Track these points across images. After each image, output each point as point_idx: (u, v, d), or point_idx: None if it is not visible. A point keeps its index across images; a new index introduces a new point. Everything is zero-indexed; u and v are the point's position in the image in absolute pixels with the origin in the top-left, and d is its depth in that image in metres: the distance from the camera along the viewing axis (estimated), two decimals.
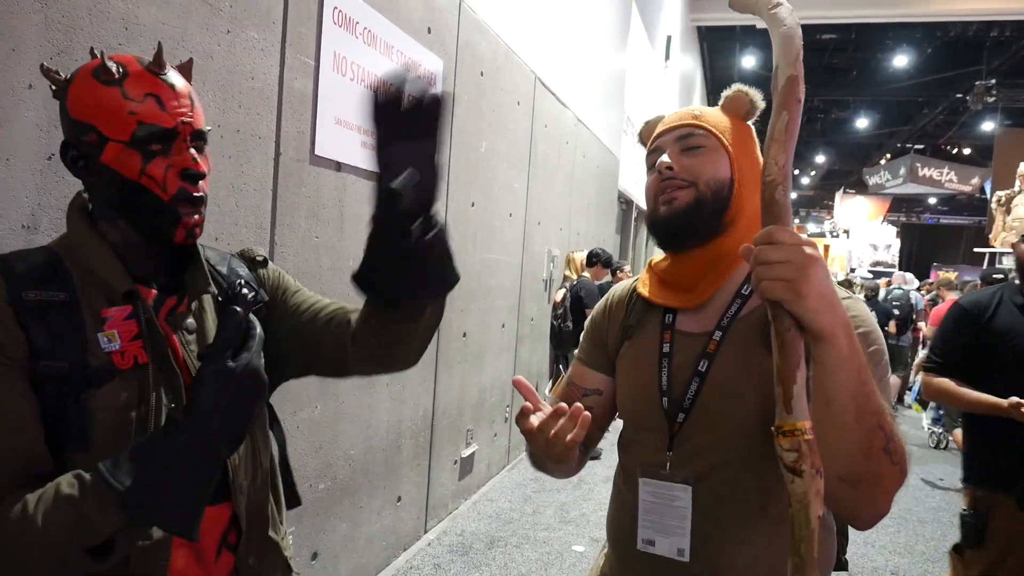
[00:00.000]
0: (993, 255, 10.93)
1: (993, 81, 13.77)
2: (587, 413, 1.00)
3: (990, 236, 11.57)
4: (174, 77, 0.95)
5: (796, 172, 25.43)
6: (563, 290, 5.50)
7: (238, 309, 0.86)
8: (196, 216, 0.95)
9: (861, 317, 1.03)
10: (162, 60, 0.94)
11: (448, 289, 1.00)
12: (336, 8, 2.54)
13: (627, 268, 6.58)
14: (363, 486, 3.06)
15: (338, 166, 2.67)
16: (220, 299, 1.06)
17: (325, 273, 2.64)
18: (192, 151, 0.94)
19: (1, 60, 1.46)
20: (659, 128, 1.19)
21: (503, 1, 4.27)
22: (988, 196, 14.64)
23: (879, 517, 0.94)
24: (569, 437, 0.98)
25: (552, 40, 5.26)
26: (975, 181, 17.28)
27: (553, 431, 0.99)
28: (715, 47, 17.15)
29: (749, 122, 1.20)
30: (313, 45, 2.47)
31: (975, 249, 12.44)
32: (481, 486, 4.54)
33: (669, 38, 11.46)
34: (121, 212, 0.95)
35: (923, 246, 24.17)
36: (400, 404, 3.34)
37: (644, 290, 1.22)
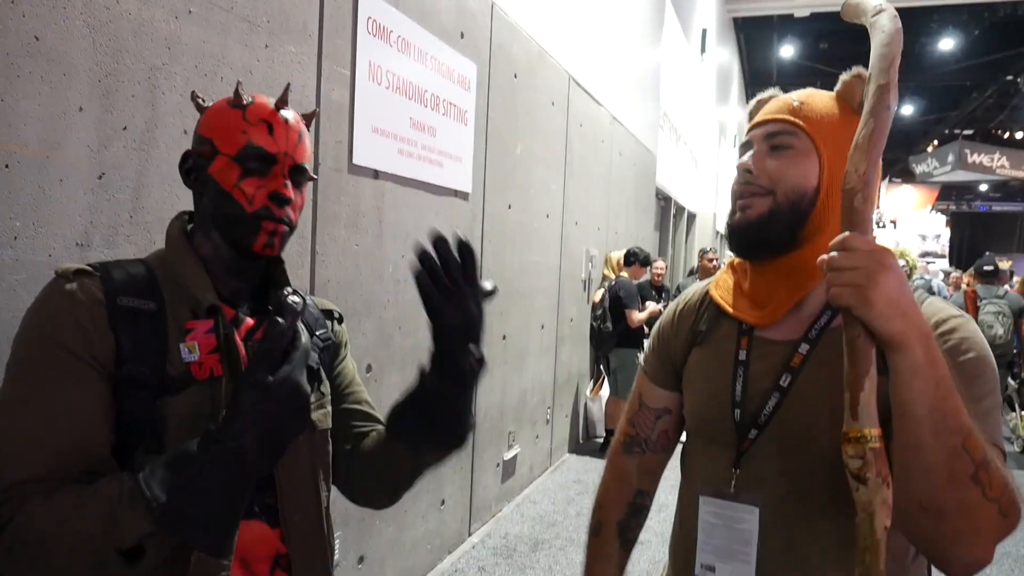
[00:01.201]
0: None
1: None
2: None
3: None
4: (291, 116, 1.04)
5: None
6: (602, 290, 5.47)
7: (280, 320, 0.86)
8: (277, 227, 0.99)
9: (971, 340, 0.94)
10: (286, 99, 1.04)
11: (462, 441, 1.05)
12: (370, 18, 2.58)
13: (659, 263, 6.50)
14: None
15: (376, 174, 2.70)
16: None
17: (365, 281, 2.68)
18: (287, 180, 1.00)
19: (54, 84, 1.51)
20: (757, 118, 1.08)
21: (535, 2, 4.27)
22: None
23: (976, 565, 0.85)
24: None
25: (585, 38, 5.24)
26: None
27: None
28: (752, 38, 16.86)
29: None
30: (348, 56, 2.50)
31: None
32: (524, 488, 4.55)
33: (704, 31, 11.31)
34: (214, 222, 1.00)
35: (974, 235, 23.40)
36: None
37: (718, 294, 1.13)
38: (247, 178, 0.98)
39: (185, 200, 1.84)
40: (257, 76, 2.08)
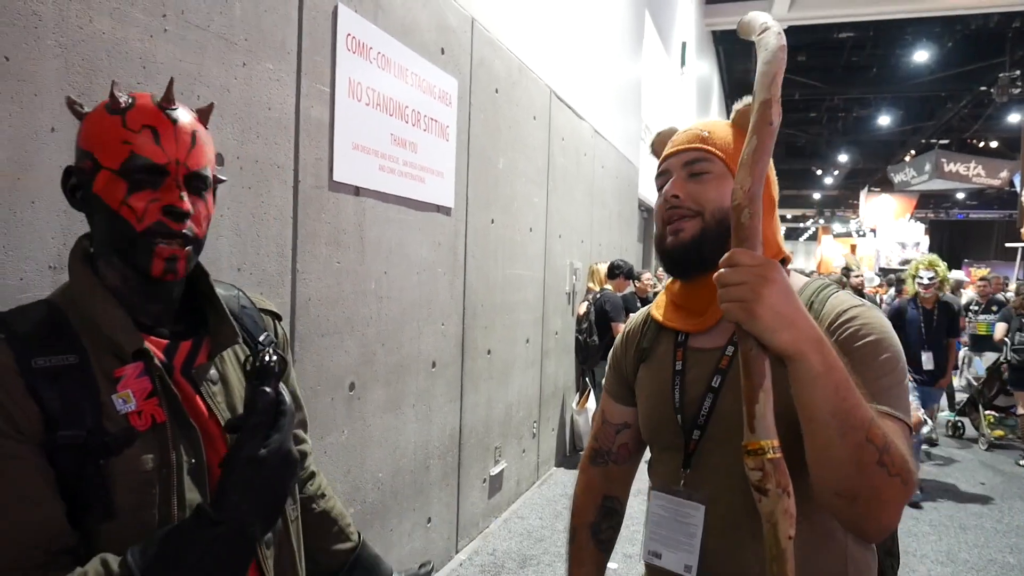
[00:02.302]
0: None
1: (1018, 72, 13.50)
2: None
3: (1022, 230, 11.35)
4: (182, 115, 0.93)
5: (819, 172, 25.16)
6: (586, 303, 5.47)
7: (268, 390, 0.83)
8: (174, 250, 0.89)
9: (872, 324, 1.00)
10: (171, 96, 0.92)
11: None
12: (349, 34, 2.57)
13: (646, 276, 6.53)
14: (392, 508, 3.05)
15: (356, 191, 2.69)
16: (245, 356, 1.04)
17: (347, 298, 2.65)
18: (182, 191, 0.90)
19: (24, 105, 1.49)
20: (668, 148, 1.18)
21: (515, 17, 4.29)
22: (1018, 189, 14.35)
23: (887, 530, 0.93)
24: None
25: (566, 53, 5.27)
26: (1004, 174, 16.93)
27: None
28: (731, 51, 17.06)
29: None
30: (328, 73, 2.49)
31: (1007, 244, 12.18)
32: (511, 503, 4.51)
33: (684, 44, 11.43)
34: (110, 245, 0.91)
35: (953, 242, 23.72)
36: (427, 424, 3.34)
37: (658, 313, 1.23)
38: (135, 193, 0.87)
39: None
40: (235, 94, 2.06)
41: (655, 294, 7.15)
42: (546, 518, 4.36)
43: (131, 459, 0.85)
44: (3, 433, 0.79)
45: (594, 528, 1.30)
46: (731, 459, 1.06)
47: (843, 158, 23.10)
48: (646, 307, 1.33)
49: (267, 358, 0.87)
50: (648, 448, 1.28)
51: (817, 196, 29.55)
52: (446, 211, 3.44)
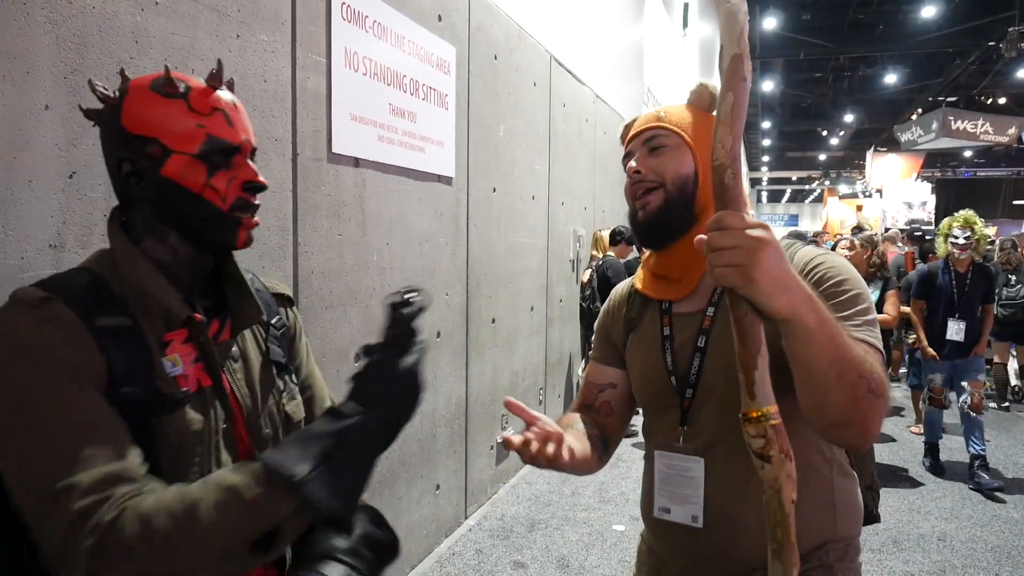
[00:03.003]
0: None
1: None
2: (559, 430, 1.06)
3: None
4: (233, 95, 0.98)
5: (825, 133, 24.86)
6: (590, 270, 5.46)
7: (405, 312, 0.87)
8: (254, 221, 0.97)
9: (835, 267, 1.10)
10: (221, 76, 0.95)
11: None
12: (344, 3, 2.53)
13: None
14: (401, 476, 3.10)
15: (356, 162, 2.67)
16: (263, 337, 1.07)
17: (349, 270, 2.65)
18: (252, 164, 0.97)
19: (17, 83, 1.48)
20: (630, 133, 1.26)
21: None
22: None
23: (874, 438, 1.00)
24: (550, 453, 1.03)
25: (565, 17, 5.19)
26: (1012, 131, 16.69)
27: (532, 452, 1.04)
28: None
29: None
30: (323, 43, 2.46)
31: (1015, 202, 12.06)
32: (518, 469, 4.56)
33: (687, 5, 11.23)
34: (175, 225, 0.94)
35: (960, 201, 23.48)
36: (433, 393, 3.37)
37: (640, 285, 1.31)
38: (215, 174, 0.92)
39: None
40: (229, 67, 2.04)
41: None
42: (553, 483, 4.42)
43: (180, 419, 0.88)
44: (82, 383, 0.81)
45: (583, 418, 1.32)
46: (720, 411, 1.15)
47: (849, 118, 22.79)
48: (627, 281, 1.41)
49: (402, 297, 0.92)
50: (642, 413, 1.34)
51: (823, 157, 29.26)
52: (447, 180, 3.42)
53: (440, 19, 3.30)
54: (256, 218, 0.99)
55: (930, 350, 4.81)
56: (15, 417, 0.78)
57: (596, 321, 1.45)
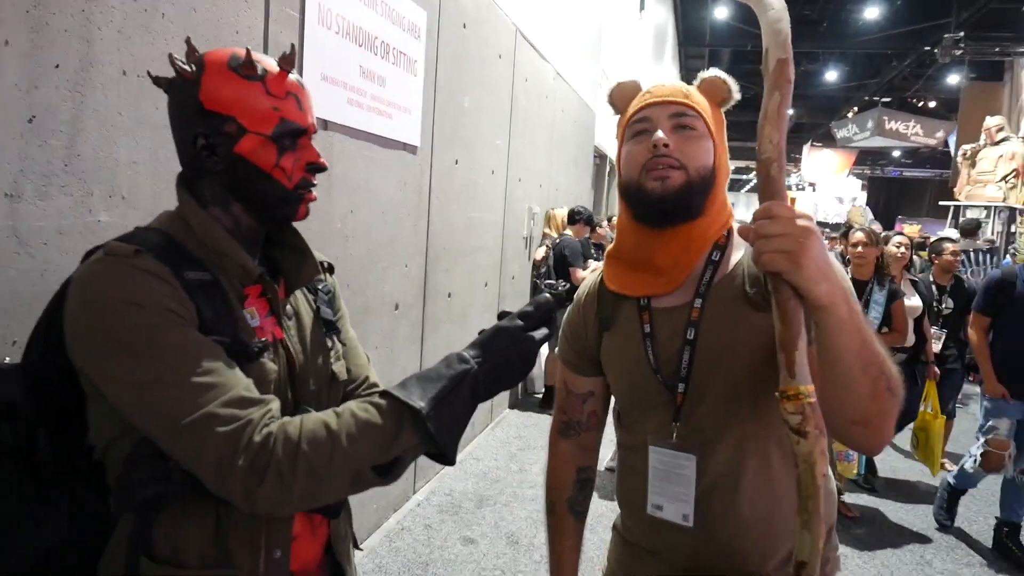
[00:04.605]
0: (957, 208, 11.15)
1: (961, 34, 13.81)
2: None
3: (955, 189, 11.78)
4: (298, 77, 1.02)
5: None
6: (544, 248, 5.46)
7: (550, 297, 0.98)
8: (313, 196, 1.04)
9: (840, 268, 1.10)
10: (293, 60, 1.00)
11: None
12: None
13: (604, 224, 6.55)
14: None
15: (325, 124, 2.57)
16: (314, 297, 1.16)
17: (313, 237, 2.54)
18: (314, 146, 1.02)
19: None
20: (647, 98, 1.16)
21: None
22: (952, 150, 14.86)
23: (888, 441, 1.01)
24: None
25: None
26: (940, 135, 17.50)
27: None
28: None
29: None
30: None
31: (940, 203, 12.65)
32: (466, 445, 4.55)
33: None
34: (241, 198, 0.99)
35: (889, 199, 24.54)
36: (390, 367, 3.31)
37: (613, 285, 1.22)
38: (284, 154, 0.98)
39: (126, 147, 1.70)
40: (201, 14, 1.92)
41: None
42: (500, 459, 4.43)
43: (260, 368, 0.95)
44: (187, 324, 0.87)
45: (571, 502, 1.34)
46: (715, 404, 1.12)
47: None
48: (594, 275, 1.32)
49: (560, 286, 1.08)
50: (622, 412, 1.29)
51: None
52: (412, 149, 3.33)
53: None
54: (314, 193, 1.03)
55: (998, 386, 3.50)
56: (136, 361, 0.83)
57: (562, 323, 1.36)
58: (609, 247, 1.27)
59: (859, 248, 3.84)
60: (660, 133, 1.10)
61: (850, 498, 4.14)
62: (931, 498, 4.17)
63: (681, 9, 17.44)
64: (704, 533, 1.14)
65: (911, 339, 4.05)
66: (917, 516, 4.05)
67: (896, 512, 4.10)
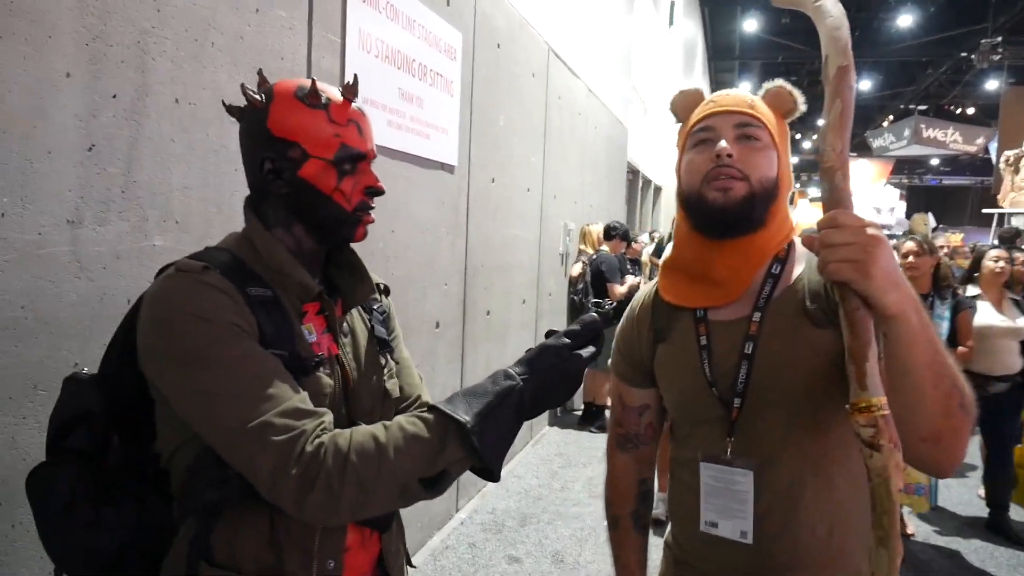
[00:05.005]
0: (1002, 216, 10.87)
1: (999, 39, 13.56)
2: None
3: (998, 196, 11.49)
4: (361, 107, 1.06)
5: (798, 136, 25.25)
6: (581, 264, 5.45)
7: (596, 315, 0.97)
8: (371, 219, 1.07)
9: None
10: (356, 90, 1.03)
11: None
12: None
13: (641, 239, 6.53)
14: None
15: None
16: (369, 316, 1.18)
17: None
18: (373, 171, 1.06)
19: (38, 47, 1.40)
20: (711, 107, 1.14)
21: None
22: (992, 156, 14.53)
23: (959, 462, 0.96)
24: None
25: (563, 9, 5.15)
26: (980, 141, 17.12)
27: None
28: (716, 12, 16.87)
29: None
30: (339, 22, 2.39)
31: (984, 210, 12.34)
32: (507, 463, 4.54)
33: (673, 3, 11.27)
34: (303, 219, 1.03)
35: (929, 208, 24.02)
36: (430, 386, 3.28)
37: (668, 296, 1.21)
38: (344, 179, 1.01)
39: (179, 173, 1.75)
40: (248, 41, 1.97)
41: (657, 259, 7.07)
42: (542, 477, 4.40)
43: (316, 382, 0.98)
44: (250, 337, 0.91)
45: (635, 516, 1.33)
46: (772, 420, 1.09)
47: (822, 122, 23.11)
48: (648, 286, 1.31)
49: (607, 306, 1.11)
50: (674, 425, 1.28)
51: (795, 160, 29.68)
52: (450, 169, 3.36)
53: (448, 3, 3.23)
54: (372, 215, 1.06)
55: None
56: (201, 373, 0.87)
57: (616, 335, 1.34)
58: (665, 257, 1.25)
59: (910, 259, 3.46)
60: (723, 143, 1.08)
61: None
62: None
63: (710, 23, 17.43)
64: (760, 552, 1.10)
65: (1018, 363, 3.66)
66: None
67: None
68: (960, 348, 3.50)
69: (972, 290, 3.84)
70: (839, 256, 0.83)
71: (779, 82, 1.15)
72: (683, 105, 1.21)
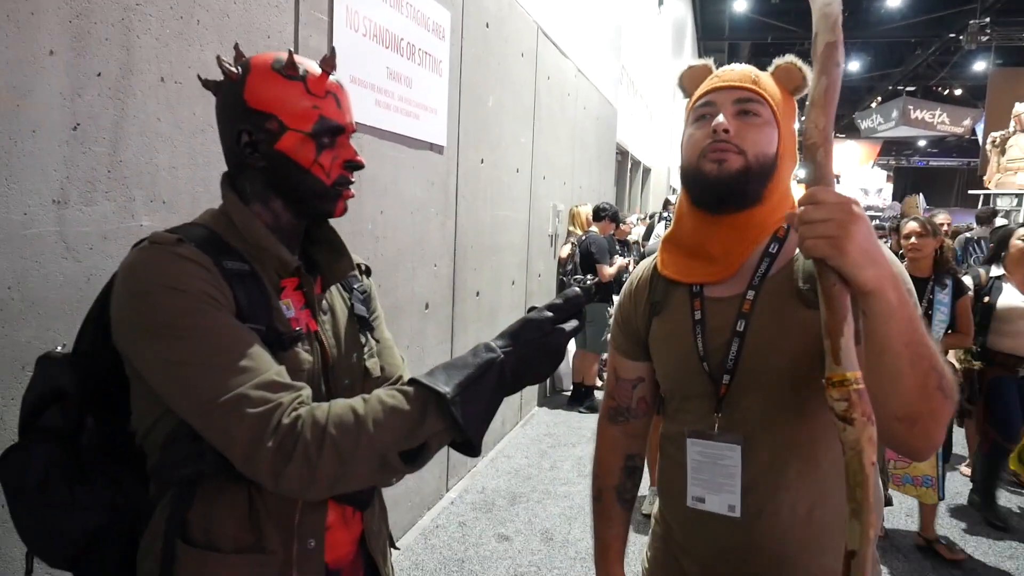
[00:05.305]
0: (988, 196, 10.94)
1: (987, 20, 13.56)
2: None
3: (984, 178, 11.56)
4: (339, 80, 1.04)
5: None
6: (569, 246, 5.45)
7: (579, 291, 0.96)
8: (351, 194, 1.05)
9: (895, 263, 1.05)
10: (334, 62, 1.02)
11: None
12: None
13: (630, 220, 6.54)
14: None
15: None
16: (348, 294, 1.17)
17: (345, 238, 2.53)
18: (352, 145, 1.04)
19: (21, 24, 1.38)
20: (715, 82, 1.14)
21: None
22: (979, 138, 14.59)
23: (936, 447, 0.97)
24: None
25: None
26: (967, 122, 17.21)
27: None
28: None
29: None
30: (326, 0, 2.36)
31: (970, 191, 12.42)
32: (497, 443, 4.57)
33: None
34: (281, 194, 1.01)
35: (916, 189, 24.16)
36: (420, 366, 3.31)
37: (666, 271, 1.22)
38: (323, 152, 1.00)
39: (165, 152, 1.73)
40: (234, 20, 1.94)
41: (653, 238, 7.06)
42: (531, 457, 4.43)
43: (294, 356, 0.97)
44: (224, 310, 0.90)
45: (619, 489, 1.33)
46: (760, 398, 1.10)
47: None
48: (648, 260, 1.31)
49: (589, 281, 1.05)
50: (665, 399, 1.28)
51: None
52: (438, 149, 3.35)
53: None
54: (351, 190, 1.05)
55: None
56: (174, 344, 0.85)
57: (615, 308, 1.36)
58: (666, 232, 1.26)
59: (912, 239, 3.37)
60: (721, 117, 1.09)
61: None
62: None
63: (699, 3, 17.33)
64: (748, 524, 1.11)
65: None
66: None
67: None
68: (954, 336, 3.43)
69: (996, 270, 3.69)
70: (816, 232, 0.83)
71: (790, 58, 1.14)
72: (690, 79, 1.21)
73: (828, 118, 0.87)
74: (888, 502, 3.58)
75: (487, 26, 3.86)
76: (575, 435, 4.90)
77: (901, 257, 3.64)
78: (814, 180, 0.87)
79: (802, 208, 0.86)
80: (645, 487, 3.71)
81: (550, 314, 0.92)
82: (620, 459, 1.34)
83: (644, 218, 8.73)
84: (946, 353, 3.57)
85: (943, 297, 3.36)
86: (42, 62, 1.42)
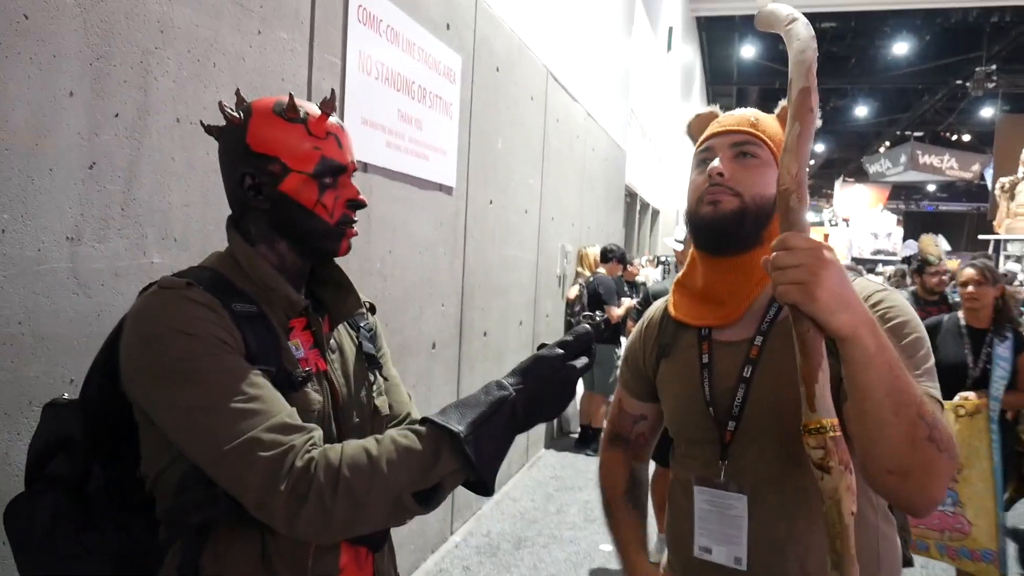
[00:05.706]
0: (998, 242, 10.93)
1: (993, 67, 13.73)
2: None
3: (994, 223, 11.57)
4: (338, 119, 1.06)
5: None
6: (578, 286, 5.46)
7: (590, 328, 0.96)
8: (355, 232, 1.06)
9: (897, 307, 1.04)
10: (334, 104, 1.04)
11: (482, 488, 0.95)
12: (360, 6, 2.50)
13: (636, 262, 6.56)
14: None
15: (365, 167, 2.63)
16: (356, 333, 1.17)
17: (354, 278, 2.56)
18: (354, 184, 1.06)
19: (43, 66, 1.41)
20: (714, 128, 1.16)
21: None
22: (988, 183, 14.64)
23: (935, 504, 0.94)
24: None
25: (562, 33, 5.22)
26: (976, 167, 17.27)
27: None
28: (714, 37, 17.08)
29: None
30: (339, 44, 2.42)
31: (980, 236, 12.40)
32: (503, 485, 4.51)
33: (671, 28, 11.41)
34: (286, 234, 1.02)
35: (925, 233, 24.16)
36: (426, 407, 3.31)
37: (675, 311, 1.23)
38: (326, 192, 1.01)
39: (178, 191, 1.76)
40: (250, 63, 1.99)
41: (664, 280, 7.08)
42: (538, 500, 4.37)
43: (304, 397, 0.97)
44: (233, 348, 0.90)
45: (628, 494, 1.35)
46: (766, 446, 1.08)
47: (819, 147, 23.37)
48: (660, 302, 1.32)
49: (599, 318, 1.05)
50: (675, 442, 1.27)
51: None
52: (448, 190, 3.39)
53: (448, 28, 3.28)
54: (355, 229, 1.06)
55: None
56: (185, 388, 0.85)
57: (625, 346, 1.39)
58: (678, 276, 1.27)
59: (970, 287, 3.05)
60: (716, 161, 1.10)
61: None
62: None
63: (708, 49, 17.63)
64: None
65: None
66: None
67: None
68: (1017, 396, 3.03)
69: None
70: (787, 278, 0.83)
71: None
72: (698, 127, 1.23)
73: (801, 164, 0.87)
74: (908, 562, 3.36)
75: (497, 70, 3.94)
76: (582, 478, 4.83)
77: (922, 301, 3.46)
78: (787, 225, 0.87)
79: (774, 254, 0.86)
80: (653, 534, 3.64)
81: (561, 351, 0.92)
82: (625, 470, 1.37)
83: (653, 260, 8.74)
84: (1008, 414, 3.20)
85: (1003, 351, 3.01)
86: (62, 103, 1.46)
